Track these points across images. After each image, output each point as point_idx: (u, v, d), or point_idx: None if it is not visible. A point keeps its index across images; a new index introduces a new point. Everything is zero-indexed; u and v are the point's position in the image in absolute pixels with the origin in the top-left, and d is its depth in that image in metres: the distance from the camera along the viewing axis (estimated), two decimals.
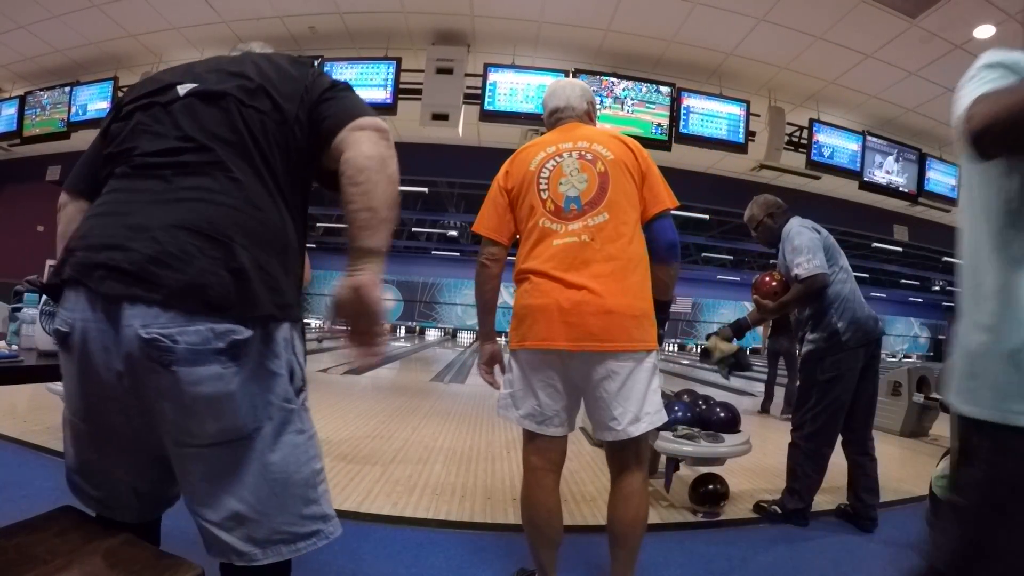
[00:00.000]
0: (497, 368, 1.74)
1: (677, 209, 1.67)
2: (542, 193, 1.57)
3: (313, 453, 1.05)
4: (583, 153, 1.59)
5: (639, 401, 1.48)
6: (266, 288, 0.93)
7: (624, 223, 1.52)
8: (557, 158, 1.60)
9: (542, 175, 1.59)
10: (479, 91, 5.34)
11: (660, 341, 1.64)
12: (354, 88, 1.13)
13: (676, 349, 22.82)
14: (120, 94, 6.08)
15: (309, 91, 1.06)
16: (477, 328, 1.75)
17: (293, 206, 1.06)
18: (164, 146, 0.98)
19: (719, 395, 3.11)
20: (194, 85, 1.04)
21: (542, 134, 1.75)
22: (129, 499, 1.04)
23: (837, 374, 2.42)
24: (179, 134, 0.99)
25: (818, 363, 2.47)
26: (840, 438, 2.54)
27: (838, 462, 2.58)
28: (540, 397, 1.52)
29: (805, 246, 2.42)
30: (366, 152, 0.97)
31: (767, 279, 2.61)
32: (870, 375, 2.52)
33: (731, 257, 18.24)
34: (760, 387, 8.51)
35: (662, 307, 1.65)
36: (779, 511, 2.56)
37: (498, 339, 1.77)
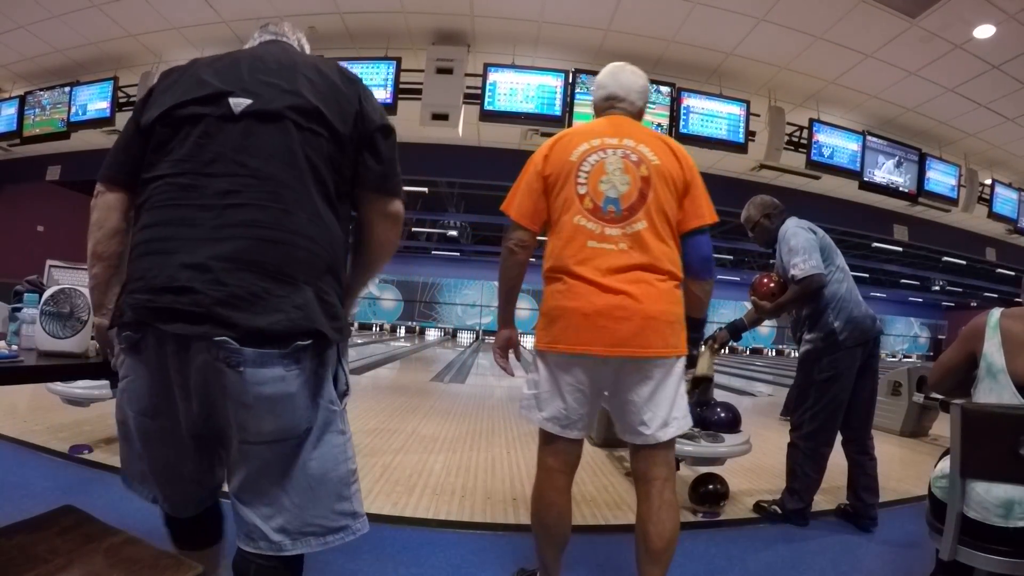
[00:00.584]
0: (512, 355, 1.71)
1: None
2: (580, 188, 1.51)
3: (350, 454, 1.15)
4: (628, 153, 1.53)
5: (668, 406, 1.47)
6: (326, 316, 1.03)
7: (660, 233, 1.49)
8: (601, 153, 1.53)
9: (583, 168, 1.52)
10: (479, 91, 5.34)
11: (694, 362, 1.63)
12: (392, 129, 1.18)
13: None
14: (120, 94, 6.12)
15: (361, 118, 1.12)
16: (498, 312, 1.72)
17: (343, 217, 1.13)
18: (222, 171, 1.01)
19: (719, 395, 3.11)
20: (249, 102, 1.05)
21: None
22: (189, 494, 1.14)
23: (834, 373, 2.44)
24: (237, 161, 1.02)
25: (815, 363, 2.49)
26: (840, 437, 2.55)
27: (838, 462, 2.58)
28: (567, 400, 1.49)
29: (801, 247, 2.43)
30: (382, 239, 1.18)
31: (765, 280, 2.61)
32: (869, 374, 2.53)
33: (731, 257, 18.24)
34: (760, 387, 8.50)
35: (696, 325, 1.62)
36: (779, 511, 2.57)
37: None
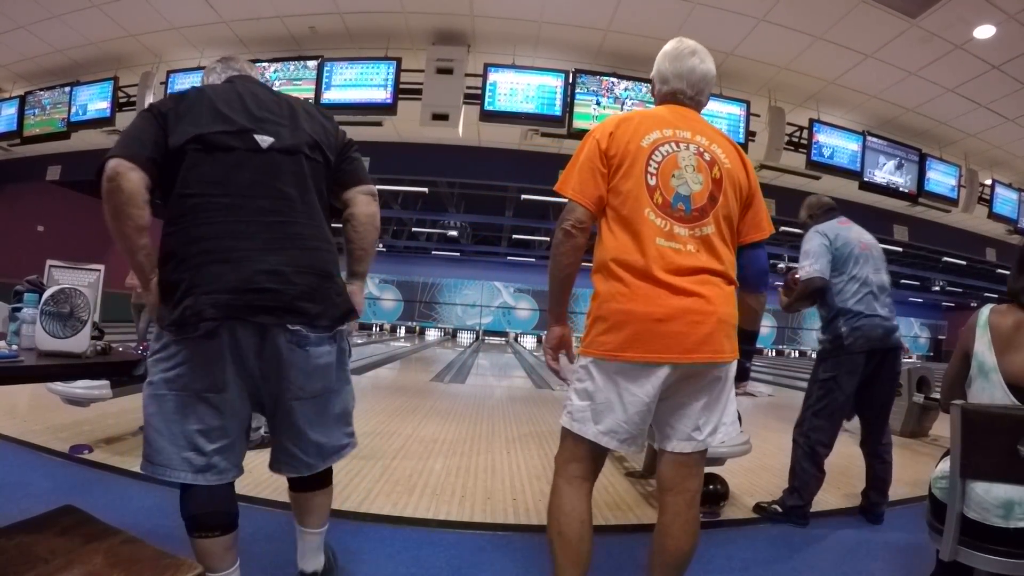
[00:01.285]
0: (563, 357, 1.53)
1: None
2: (650, 179, 1.38)
3: (353, 395, 1.57)
4: (702, 151, 1.43)
5: (722, 411, 1.43)
6: (346, 303, 1.44)
7: (726, 240, 1.42)
8: (674, 145, 1.42)
9: (654, 157, 1.39)
10: (479, 91, 5.34)
11: (747, 375, 1.58)
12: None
13: None
14: (120, 94, 6.12)
15: (341, 146, 1.54)
16: (550, 307, 1.53)
17: (330, 228, 1.48)
18: (264, 193, 1.33)
19: None
20: (272, 139, 1.37)
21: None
22: (238, 451, 1.38)
23: (836, 375, 2.53)
24: (273, 186, 1.34)
25: (822, 363, 2.61)
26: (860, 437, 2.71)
27: (838, 462, 2.58)
28: (628, 412, 1.35)
29: (810, 251, 2.58)
30: (366, 211, 1.53)
31: (791, 278, 2.75)
32: (882, 383, 2.60)
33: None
34: (760, 387, 8.50)
35: (749, 337, 1.56)
36: (779, 509, 2.59)
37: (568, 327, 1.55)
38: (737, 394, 1.52)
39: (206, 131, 1.30)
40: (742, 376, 1.56)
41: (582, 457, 1.42)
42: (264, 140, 1.35)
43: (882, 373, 2.58)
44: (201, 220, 1.27)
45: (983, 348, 1.51)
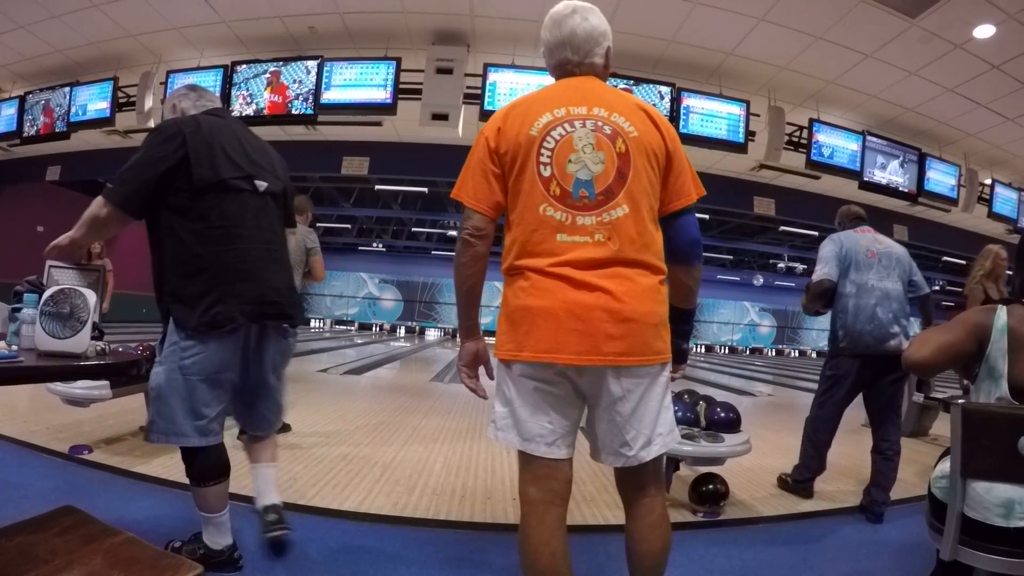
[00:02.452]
0: (483, 371, 1.42)
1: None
2: (543, 169, 1.25)
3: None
4: (600, 124, 1.27)
5: (652, 422, 1.27)
6: (303, 309, 1.99)
7: (644, 219, 1.26)
8: (567, 126, 1.27)
9: (545, 145, 1.26)
10: (479, 91, 5.34)
11: (685, 357, 1.44)
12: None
13: None
14: (120, 94, 6.11)
15: (290, 187, 1.98)
16: (458, 321, 1.42)
17: None
18: (263, 226, 1.78)
19: (719, 395, 3.11)
20: (266, 184, 1.80)
21: None
22: (223, 418, 1.76)
23: (834, 374, 2.76)
24: (268, 222, 1.81)
25: (827, 361, 2.87)
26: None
27: (839, 462, 2.58)
28: (550, 415, 1.26)
29: (822, 256, 2.78)
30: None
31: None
32: (882, 385, 2.71)
33: (731, 257, 18.27)
34: (760, 387, 8.49)
35: (685, 316, 1.42)
36: (789, 481, 2.93)
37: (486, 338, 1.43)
38: (673, 378, 1.40)
39: (227, 177, 1.69)
40: (679, 358, 1.41)
41: (541, 477, 1.27)
42: (261, 185, 1.78)
43: (883, 376, 2.67)
44: (228, 248, 1.67)
45: (998, 354, 1.46)
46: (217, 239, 1.65)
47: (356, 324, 22.94)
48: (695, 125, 5.52)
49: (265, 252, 1.75)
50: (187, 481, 1.69)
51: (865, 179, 6.16)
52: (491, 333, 1.30)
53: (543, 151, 1.26)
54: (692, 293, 1.41)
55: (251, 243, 1.71)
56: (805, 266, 18.32)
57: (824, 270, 2.70)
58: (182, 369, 1.61)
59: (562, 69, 1.40)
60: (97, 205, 1.62)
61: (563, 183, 1.24)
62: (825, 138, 5.95)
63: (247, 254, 1.69)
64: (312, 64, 5.52)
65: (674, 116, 5.47)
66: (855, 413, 6.42)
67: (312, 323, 22.77)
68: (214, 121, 1.74)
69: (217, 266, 1.65)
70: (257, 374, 1.81)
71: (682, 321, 1.42)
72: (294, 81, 5.59)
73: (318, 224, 14.28)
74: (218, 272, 1.64)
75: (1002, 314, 1.49)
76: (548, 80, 1.48)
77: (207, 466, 1.67)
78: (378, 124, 5.94)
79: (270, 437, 1.98)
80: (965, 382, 1.65)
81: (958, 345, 1.51)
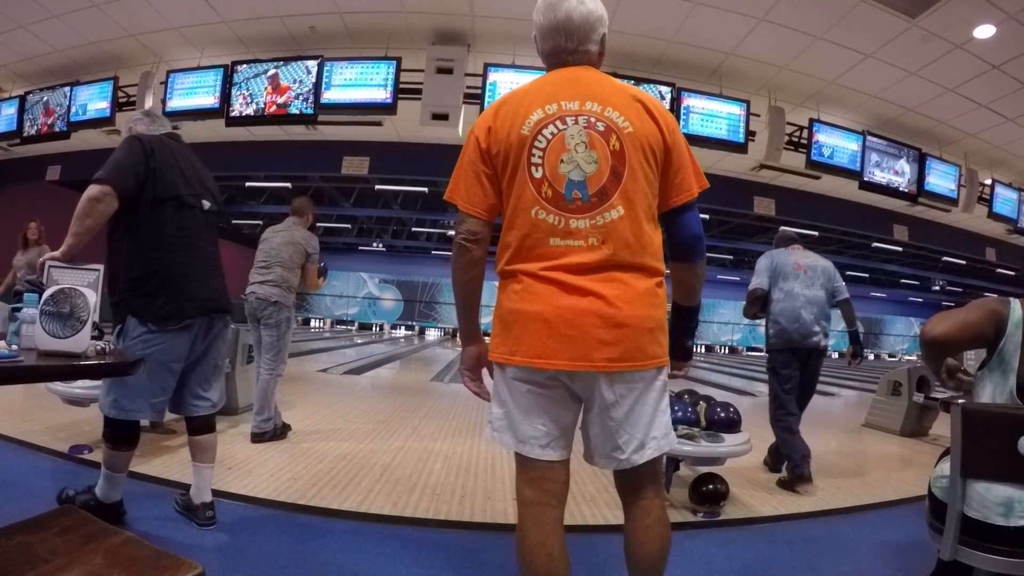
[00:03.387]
0: (485, 372, 1.41)
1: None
2: (535, 170, 1.21)
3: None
4: (593, 121, 1.22)
5: (646, 426, 1.25)
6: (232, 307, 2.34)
7: (641, 219, 1.22)
8: (559, 123, 1.22)
9: (537, 144, 1.22)
10: (479, 91, 5.34)
11: (689, 355, 1.42)
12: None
13: None
14: (120, 94, 6.12)
15: (223, 206, 2.33)
16: (458, 325, 1.42)
17: None
18: (205, 239, 2.11)
19: (719, 395, 3.11)
20: (210, 204, 2.13)
21: None
22: (166, 401, 2.06)
23: (772, 366, 3.28)
24: (210, 236, 2.15)
25: (767, 356, 3.34)
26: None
27: (840, 462, 2.58)
28: (543, 417, 1.25)
29: (756, 270, 3.36)
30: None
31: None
32: (807, 374, 3.25)
33: (731, 257, 18.26)
34: (761, 387, 8.49)
35: (688, 314, 1.40)
36: (787, 478, 3.05)
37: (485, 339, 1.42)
38: (676, 376, 1.40)
39: (183, 193, 2.01)
40: (683, 356, 1.40)
41: (536, 478, 1.26)
42: (205, 204, 2.11)
43: (807, 368, 3.23)
44: (180, 255, 1.98)
45: (1011, 348, 1.46)
46: (171, 246, 1.97)
47: (356, 324, 22.94)
48: (695, 125, 5.52)
49: (207, 260, 2.11)
50: (187, 481, 2.06)
51: (865, 179, 6.15)
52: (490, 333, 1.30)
53: (534, 151, 1.22)
54: (695, 291, 1.37)
55: (198, 252, 2.06)
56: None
57: (757, 281, 3.28)
58: (145, 358, 1.78)
59: (555, 57, 1.34)
60: (90, 191, 1.80)
61: (555, 184, 1.21)
62: (825, 138, 5.94)
63: (194, 261, 2.03)
64: (312, 64, 5.52)
65: (674, 116, 5.46)
66: (855, 413, 6.44)
67: (312, 323, 22.78)
68: (173, 144, 2.09)
69: (170, 269, 1.94)
70: (205, 361, 2.14)
71: (686, 319, 1.40)
72: (294, 81, 5.59)
73: (318, 224, 14.28)
74: (171, 275, 1.94)
75: (1017, 307, 1.48)
76: None
77: (128, 436, 2.02)
78: (378, 124, 5.94)
79: (212, 432, 2.19)
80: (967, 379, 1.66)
81: (978, 326, 1.49)
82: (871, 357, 27.05)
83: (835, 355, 25.99)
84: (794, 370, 3.17)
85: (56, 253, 1.78)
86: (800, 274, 3.23)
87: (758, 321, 3.41)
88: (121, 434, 2.00)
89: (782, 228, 3.67)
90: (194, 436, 2.15)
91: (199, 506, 2.14)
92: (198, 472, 2.16)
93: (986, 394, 1.49)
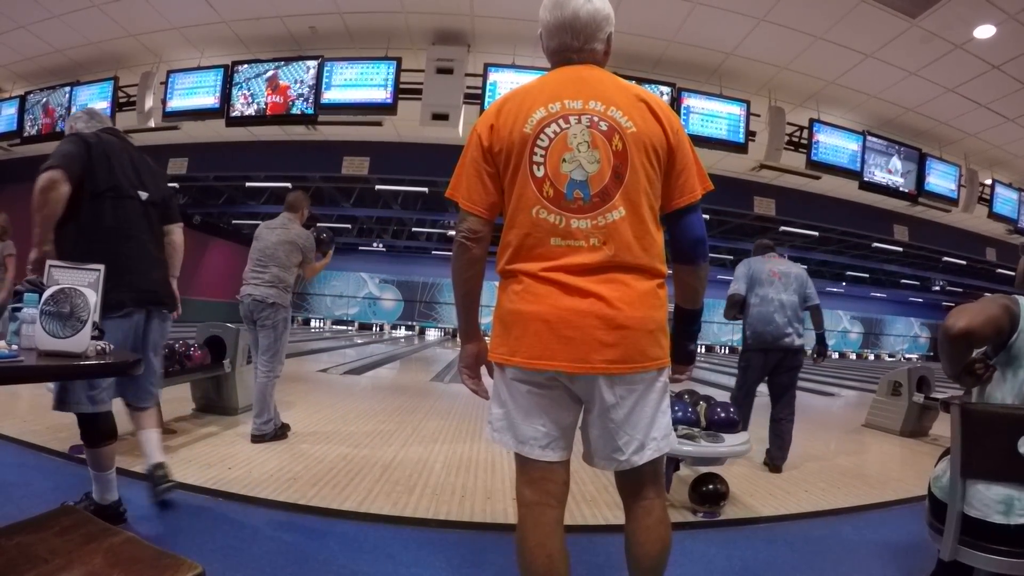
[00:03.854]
0: (484, 371, 1.40)
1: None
2: (537, 169, 1.21)
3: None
4: (596, 120, 1.21)
5: (647, 427, 1.24)
6: (175, 297, 2.34)
7: (643, 220, 1.22)
8: (562, 122, 1.21)
9: (539, 143, 1.21)
10: (479, 91, 5.34)
11: (692, 358, 1.41)
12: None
13: None
14: (120, 94, 6.12)
15: (168, 195, 2.34)
16: (458, 324, 1.41)
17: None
18: (145, 229, 2.17)
19: (720, 395, 3.11)
20: (147, 195, 2.18)
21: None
22: (110, 392, 2.11)
23: (745, 365, 3.56)
24: (149, 226, 2.20)
25: (740, 355, 3.65)
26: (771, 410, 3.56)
27: (840, 462, 2.57)
28: (543, 418, 1.25)
29: (735, 276, 3.61)
30: (179, 239, 2.39)
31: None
32: (783, 373, 3.49)
33: (731, 257, 18.22)
34: (760, 387, 8.46)
35: (691, 317, 1.39)
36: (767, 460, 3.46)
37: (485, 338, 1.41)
38: (680, 379, 1.40)
39: (119, 183, 2.08)
40: (686, 359, 1.39)
41: (536, 479, 1.26)
42: (143, 195, 2.16)
43: (782, 366, 3.46)
44: (121, 245, 2.05)
45: (1023, 345, 1.44)
46: (111, 237, 2.03)
47: (356, 324, 22.94)
48: (695, 125, 5.52)
49: (147, 251, 2.16)
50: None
51: (865, 179, 6.16)
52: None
53: (537, 150, 1.21)
54: (698, 293, 1.35)
55: (137, 243, 2.11)
56: (805, 266, 18.29)
57: (736, 286, 3.55)
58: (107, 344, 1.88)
59: (561, 55, 1.33)
60: (40, 181, 1.89)
61: (557, 184, 1.20)
62: (825, 138, 5.95)
63: (134, 251, 2.07)
64: (312, 64, 5.52)
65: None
66: (855, 413, 6.43)
67: (312, 323, 22.78)
68: (110, 139, 2.16)
69: (110, 259, 1.88)
70: (144, 352, 2.18)
71: (688, 322, 1.39)
72: (295, 81, 5.59)
73: (318, 224, 14.26)
74: (110, 264, 1.88)
75: None
76: None
77: (101, 431, 2.04)
78: (378, 124, 5.94)
79: (153, 407, 2.31)
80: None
81: (999, 320, 1.45)
82: (871, 357, 27.07)
83: (835, 355, 26.26)
84: (761, 368, 3.48)
85: (32, 254, 1.90)
86: (775, 280, 3.50)
87: (738, 321, 3.66)
88: (90, 429, 2.02)
89: (760, 239, 3.90)
90: (135, 412, 2.27)
91: (151, 468, 2.18)
92: (144, 438, 2.23)
93: (997, 394, 1.48)
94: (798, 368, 3.49)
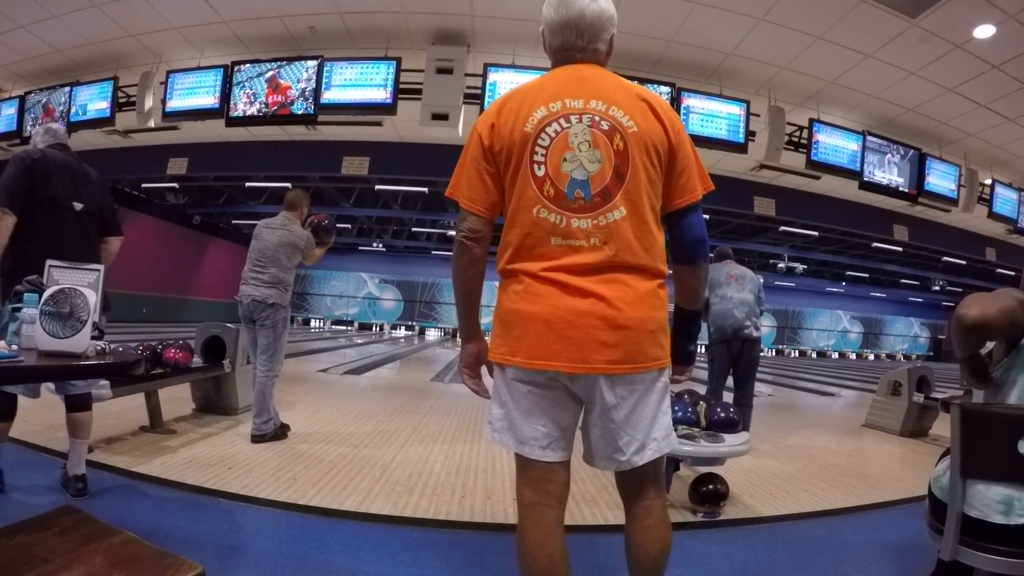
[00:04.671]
0: (484, 370, 1.39)
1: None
2: (537, 168, 1.21)
3: None
4: (598, 119, 1.21)
5: (647, 427, 1.24)
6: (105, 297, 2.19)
7: (644, 220, 1.21)
8: (563, 121, 1.21)
9: (540, 142, 1.21)
10: (479, 91, 5.34)
11: (691, 359, 1.41)
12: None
13: None
14: (120, 94, 6.12)
15: (108, 209, 2.53)
16: (458, 323, 1.40)
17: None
18: (79, 236, 2.36)
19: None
20: (82, 206, 2.38)
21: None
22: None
23: (712, 358, 4.02)
24: (84, 234, 2.39)
25: (706, 350, 4.11)
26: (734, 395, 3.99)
27: (841, 462, 2.57)
28: (543, 419, 1.24)
29: None
30: (114, 249, 2.57)
31: None
32: (743, 361, 3.93)
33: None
34: (760, 387, 8.48)
35: (691, 317, 1.40)
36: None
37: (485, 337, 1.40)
38: (680, 380, 1.40)
39: (56, 194, 2.30)
40: (686, 360, 1.39)
41: (536, 479, 1.26)
42: (77, 205, 2.36)
43: (743, 355, 3.91)
44: (48, 250, 2.05)
45: None
46: (42, 242, 2.21)
47: (356, 324, 22.94)
48: (695, 125, 5.52)
49: (79, 257, 2.22)
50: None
51: (865, 179, 6.16)
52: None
53: (537, 149, 1.21)
54: (698, 294, 1.35)
55: (67, 249, 2.22)
56: (805, 266, 18.32)
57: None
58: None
59: (563, 53, 1.32)
60: None
61: (557, 183, 1.19)
62: (825, 138, 5.95)
63: (62, 257, 2.19)
64: (312, 64, 5.52)
65: None
66: (855, 413, 6.43)
67: (312, 323, 22.77)
68: (54, 153, 2.38)
69: (40, 263, 2.04)
70: None
71: (688, 322, 1.39)
72: (295, 81, 5.59)
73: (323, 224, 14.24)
74: (38, 267, 2.06)
75: None
76: None
77: (8, 408, 2.27)
78: (378, 124, 5.94)
79: (87, 410, 2.39)
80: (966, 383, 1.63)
81: (1014, 313, 1.39)
82: (871, 357, 27.08)
83: (835, 355, 26.30)
84: (726, 358, 3.95)
85: None
86: (731, 282, 4.02)
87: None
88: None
89: (719, 247, 4.40)
90: (70, 413, 2.34)
91: (71, 478, 2.27)
92: (73, 447, 2.31)
93: (1013, 394, 1.45)
94: (757, 360, 4.02)
